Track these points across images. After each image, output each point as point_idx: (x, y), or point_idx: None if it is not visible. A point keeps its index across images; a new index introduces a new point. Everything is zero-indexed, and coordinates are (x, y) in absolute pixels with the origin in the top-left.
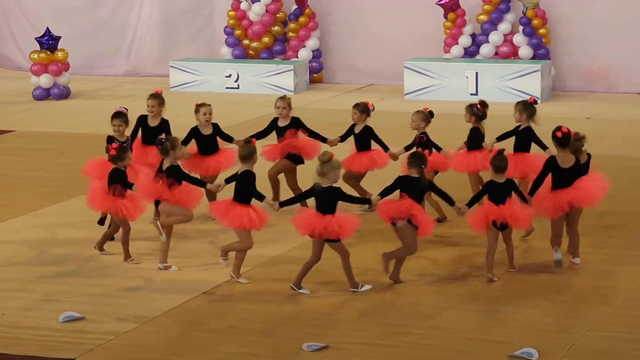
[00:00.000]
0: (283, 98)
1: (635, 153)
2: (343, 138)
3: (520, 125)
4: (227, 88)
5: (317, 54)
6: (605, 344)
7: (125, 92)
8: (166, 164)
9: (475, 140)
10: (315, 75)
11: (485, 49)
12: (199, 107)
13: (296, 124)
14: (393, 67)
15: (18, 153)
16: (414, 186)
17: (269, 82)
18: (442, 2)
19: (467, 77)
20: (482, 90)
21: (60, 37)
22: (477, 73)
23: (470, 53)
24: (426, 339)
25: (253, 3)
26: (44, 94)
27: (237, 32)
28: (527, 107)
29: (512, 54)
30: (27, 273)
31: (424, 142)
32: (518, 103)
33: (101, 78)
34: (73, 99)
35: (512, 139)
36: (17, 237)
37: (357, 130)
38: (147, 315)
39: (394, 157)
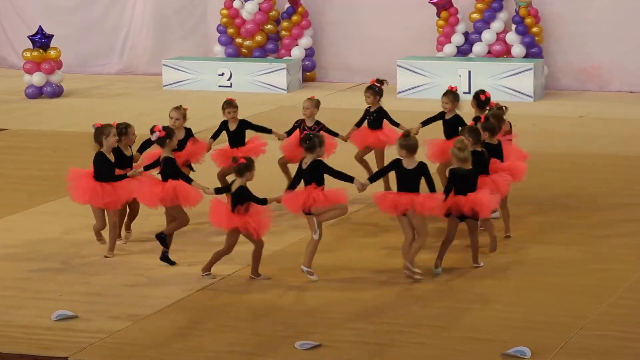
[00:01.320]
0: (178, 108)
1: (628, 152)
2: (214, 137)
3: (445, 113)
4: (220, 86)
5: (310, 53)
6: (598, 342)
7: (118, 91)
8: (308, 160)
9: (381, 120)
10: (308, 73)
11: (478, 48)
12: None
13: (189, 135)
14: (386, 65)
15: (10, 151)
16: (481, 158)
17: (261, 80)
18: (435, 0)
19: (460, 76)
20: (475, 88)
21: (53, 36)
22: (470, 72)
23: (463, 52)
24: (419, 338)
25: (246, 2)
26: (37, 93)
27: (230, 30)
28: (457, 96)
29: (505, 53)
30: (20, 271)
31: (317, 130)
32: (447, 93)
33: (94, 76)
34: (66, 98)
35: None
36: (10, 236)
37: (232, 127)
38: (140, 313)
39: (281, 137)
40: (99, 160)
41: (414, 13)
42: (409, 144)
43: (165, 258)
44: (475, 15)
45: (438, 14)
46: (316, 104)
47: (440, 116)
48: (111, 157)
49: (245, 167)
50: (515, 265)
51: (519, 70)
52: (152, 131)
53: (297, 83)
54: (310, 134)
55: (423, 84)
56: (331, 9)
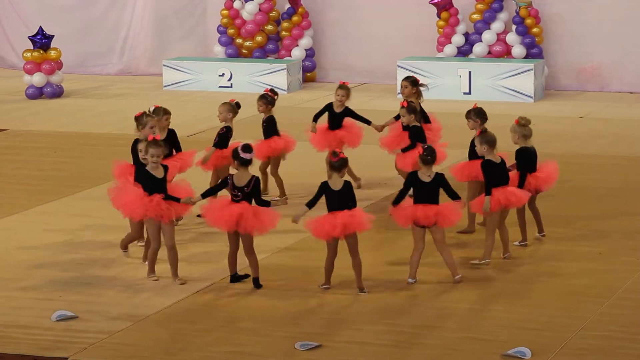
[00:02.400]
0: (151, 116)
1: (628, 152)
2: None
3: (332, 105)
4: (220, 87)
5: (310, 53)
6: (598, 342)
7: (118, 91)
8: (430, 172)
9: (273, 128)
10: (308, 74)
11: (479, 48)
12: None
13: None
14: (386, 66)
15: (11, 152)
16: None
17: (262, 81)
18: (435, 1)
19: (460, 76)
20: (475, 89)
21: (53, 36)
22: (470, 72)
23: (464, 52)
24: (418, 338)
25: (246, 2)
26: (37, 93)
27: (230, 31)
28: (350, 90)
29: (505, 53)
30: (20, 272)
31: (223, 134)
32: (343, 87)
33: (94, 77)
34: (66, 98)
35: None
36: (9, 236)
37: (162, 136)
38: (140, 314)
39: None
40: (141, 175)
41: (414, 13)
42: (489, 138)
43: (236, 278)
44: (476, 16)
45: (438, 15)
46: (229, 108)
47: (327, 108)
48: (159, 172)
49: (345, 163)
50: (515, 266)
51: (519, 70)
52: (248, 149)
53: (298, 83)
54: (429, 146)
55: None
56: (331, 9)
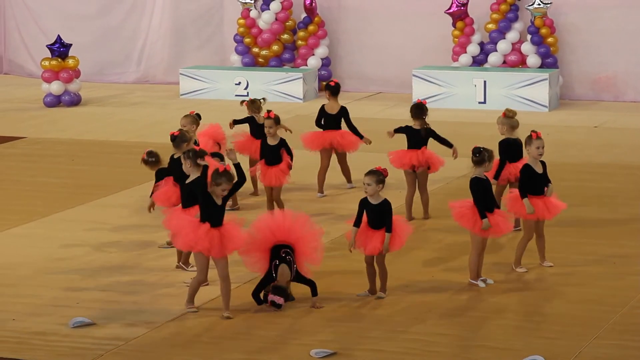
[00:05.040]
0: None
1: None
2: None
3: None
4: (236, 95)
5: (326, 62)
6: (613, 351)
7: (135, 100)
8: (476, 173)
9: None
10: (324, 83)
11: (494, 58)
12: None
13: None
14: (402, 75)
15: (29, 159)
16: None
17: (278, 89)
18: (451, 10)
19: (475, 86)
20: (490, 98)
21: (71, 45)
22: (485, 81)
23: (479, 61)
24: (432, 346)
25: (263, 11)
26: (55, 101)
27: (247, 40)
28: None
29: (520, 63)
30: (37, 279)
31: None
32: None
33: (112, 85)
34: (84, 106)
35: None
36: (27, 243)
37: None
38: (157, 321)
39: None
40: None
41: (430, 23)
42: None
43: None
44: (491, 26)
45: (454, 24)
46: (192, 120)
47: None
48: (219, 199)
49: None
50: (530, 275)
51: (534, 80)
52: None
53: (314, 92)
54: (481, 147)
55: (438, 93)
56: (347, 18)
